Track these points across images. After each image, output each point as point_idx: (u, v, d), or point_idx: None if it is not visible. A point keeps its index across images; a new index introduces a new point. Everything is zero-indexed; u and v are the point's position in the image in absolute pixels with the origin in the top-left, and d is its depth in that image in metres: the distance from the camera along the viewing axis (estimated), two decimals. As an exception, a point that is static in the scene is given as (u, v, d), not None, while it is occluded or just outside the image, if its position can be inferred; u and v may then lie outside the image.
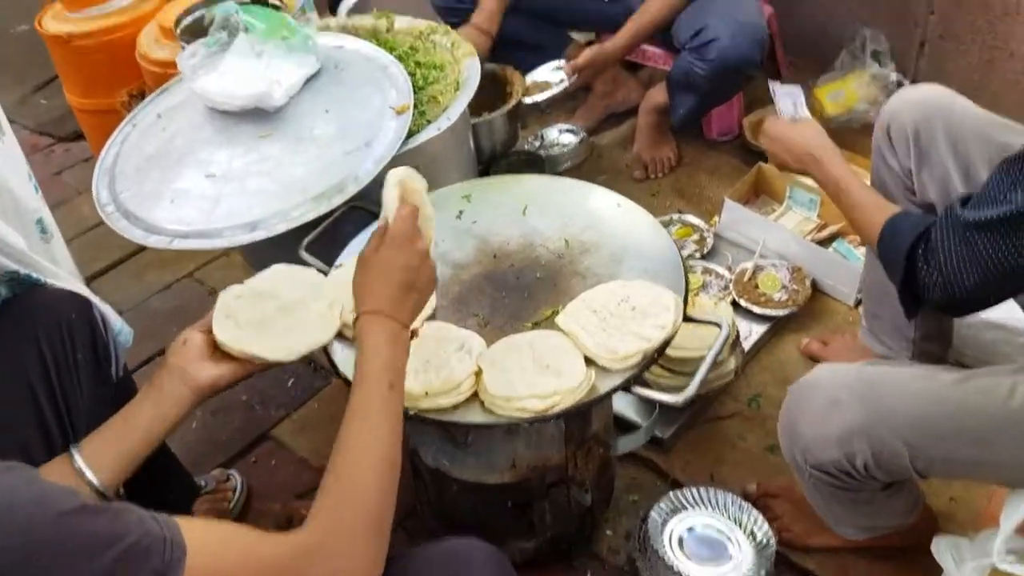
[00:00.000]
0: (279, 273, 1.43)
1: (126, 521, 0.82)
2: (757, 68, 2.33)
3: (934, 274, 1.23)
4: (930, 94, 1.56)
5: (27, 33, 3.70)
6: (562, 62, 2.51)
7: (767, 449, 1.89)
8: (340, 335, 1.39)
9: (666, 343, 1.38)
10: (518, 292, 1.54)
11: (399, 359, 1.15)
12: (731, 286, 2.18)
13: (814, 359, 2.01)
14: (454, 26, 2.48)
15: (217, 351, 1.26)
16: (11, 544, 0.75)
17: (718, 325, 1.43)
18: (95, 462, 1.14)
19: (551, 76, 2.51)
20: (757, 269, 2.20)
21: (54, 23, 2.70)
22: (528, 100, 2.47)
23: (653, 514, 1.56)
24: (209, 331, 1.27)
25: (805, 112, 1.71)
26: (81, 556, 0.77)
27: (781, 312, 2.10)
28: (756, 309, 2.12)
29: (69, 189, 2.94)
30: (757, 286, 2.17)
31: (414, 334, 1.24)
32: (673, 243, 1.59)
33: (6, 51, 3.79)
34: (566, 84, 2.45)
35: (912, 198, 1.58)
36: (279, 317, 1.34)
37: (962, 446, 1.26)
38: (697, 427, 1.94)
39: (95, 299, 1.50)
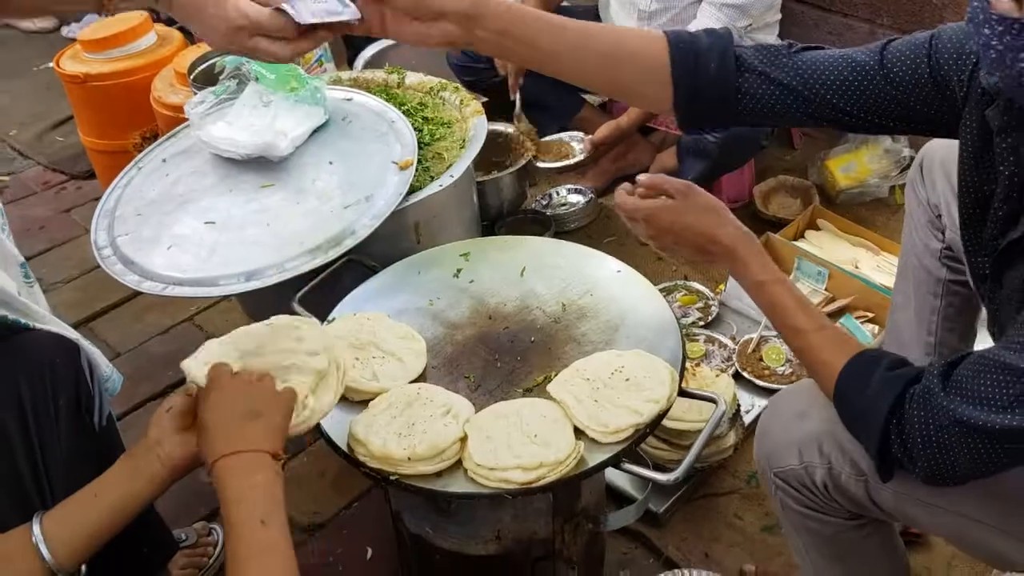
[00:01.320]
0: (275, 327, 1.34)
1: None
2: (767, 138, 2.32)
3: (916, 461, 1.09)
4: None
5: (47, 71, 3.76)
6: (580, 134, 2.53)
7: (764, 529, 1.83)
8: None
9: (659, 418, 1.34)
10: (511, 355, 1.51)
11: (264, 490, 1.06)
12: (734, 357, 2.13)
13: None
14: (470, 84, 2.50)
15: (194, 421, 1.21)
16: None
17: (714, 401, 1.39)
18: (56, 536, 1.07)
19: (568, 143, 2.54)
20: (762, 341, 2.16)
21: (72, 63, 2.73)
22: (542, 164, 2.48)
23: (643, 594, 1.50)
24: (190, 395, 1.22)
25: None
26: None
27: (785, 386, 2.05)
28: (759, 382, 2.07)
29: (77, 227, 2.95)
30: (761, 359, 2.12)
31: (276, 458, 1.11)
32: (672, 313, 1.55)
33: (27, 88, 3.84)
34: (581, 157, 2.50)
35: (937, 233, 1.62)
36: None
37: (915, 487, 1.17)
38: (693, 502, 1.89)
39: (84, 343, 1.48)
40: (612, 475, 1.78)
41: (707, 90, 1.28)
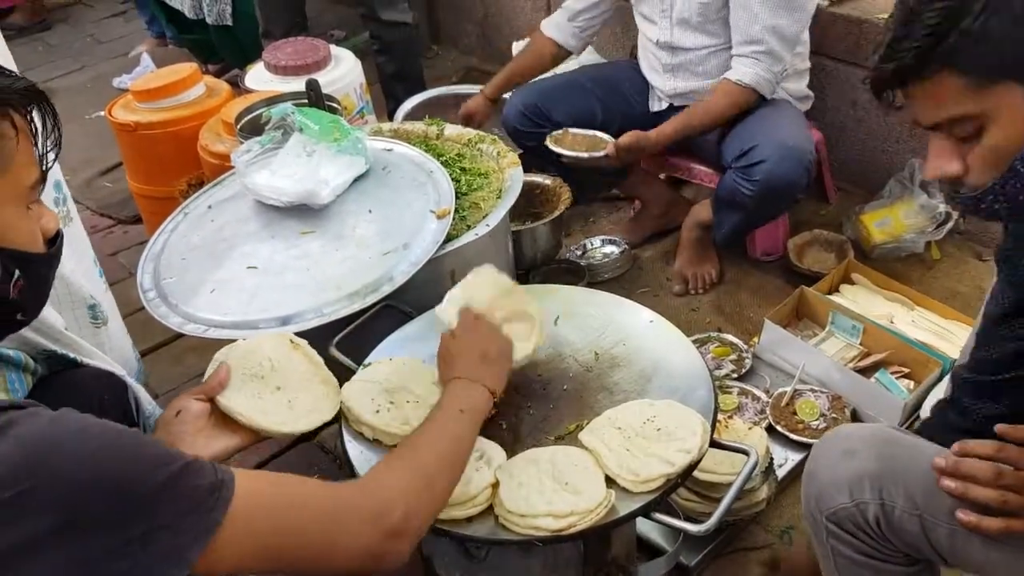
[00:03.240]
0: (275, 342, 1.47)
1: (182, 451, 0.96)
2: (803, 191, 2.33)
3: None
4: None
5: (99, 120, 3.89)
6: (607, 136, 2.51)
7: (798, 586, 1.80)
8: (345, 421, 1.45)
9: (690, 468, 1.34)
10: (544, 402, 1.52)
11: (475, 400, 1.32)
12: (768, 410, 2.12)
13: None
14: (529, 149, 2.53)
15: (211, 422, 1.26)
16: (88, 453, 0.86)
17: (746, 453, 1.38)
18: None
19: (591, 139, 2.52)
20: (796, 395, 2.15)
21: (123, 112, 2.83)
22: (555, 148, 2.47)
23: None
24: (206, 398, 1.27)
25: None
26: (147, 466, 0.89)
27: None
28: (793, 436, 2.05)
29: (123, 270, 3.02)
30: (795, 412, 2.11)
31: (493, 395, 1.37)
32: (705, 364, 1.56)
33: (78, 135, 3.97)
34: (601, 155, 2.45)
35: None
36: (281, 391, 1.39)
37: None
38: (725, 556, 1.87)
39: (130, 381, 1.52)
40: (643, 526, 1.77)
41: None
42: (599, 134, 2.52)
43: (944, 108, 1.04)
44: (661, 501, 1.32)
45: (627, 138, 2.41)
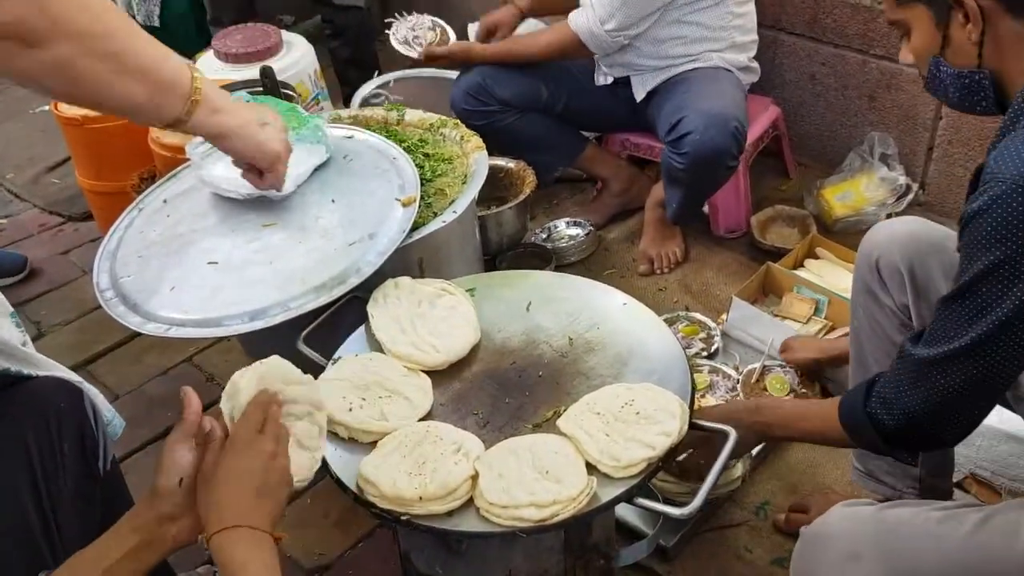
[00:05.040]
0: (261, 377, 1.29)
1: None
2: (734, 159, 2.32)
3: (897, 417, 1.26)
4: (919, 230, 1.56)
5: (45, 114, 3.77)
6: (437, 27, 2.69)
7: (774, 562, 1.81)
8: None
9: (672, 451, 1.33)
10: (520, 391, 1.50)
11: (269, 563, 1.05)
12: (739, 387, 2.13)
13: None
14: (479, 129, 2.50)
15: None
16: None
17: (726, 433, 1.38)
18: None
19: (418, 34, 2.68)
20: (765, 370, 2.16)
21: (69, 106, 2.73)
22: (396, 44, 2.64)
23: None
24: (196, 441, 1.17)
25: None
26: None
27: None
28: (764, 412, 2.06)
29: (75, 269, 2.94)
30: (765, 388, 2.12)
31: (277, 540, 1.10)
32: (680, 346, 1.55)
33: (24, 130, 3.84)
34: (414, 55, 2.65)
35: (905, 331, 1.55)
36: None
37: None
38: (702, 535, 1.87)
39: (87, 387, 1.46)
40: (622, 510, 1.76)
41: None
42: (437, 25, 2.69)
43: (887, 12, 1.33)
44: (643, 486, 1.30)
45: (449, 48, 2.63)
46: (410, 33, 2.61)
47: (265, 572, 1.04)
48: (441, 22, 2.76)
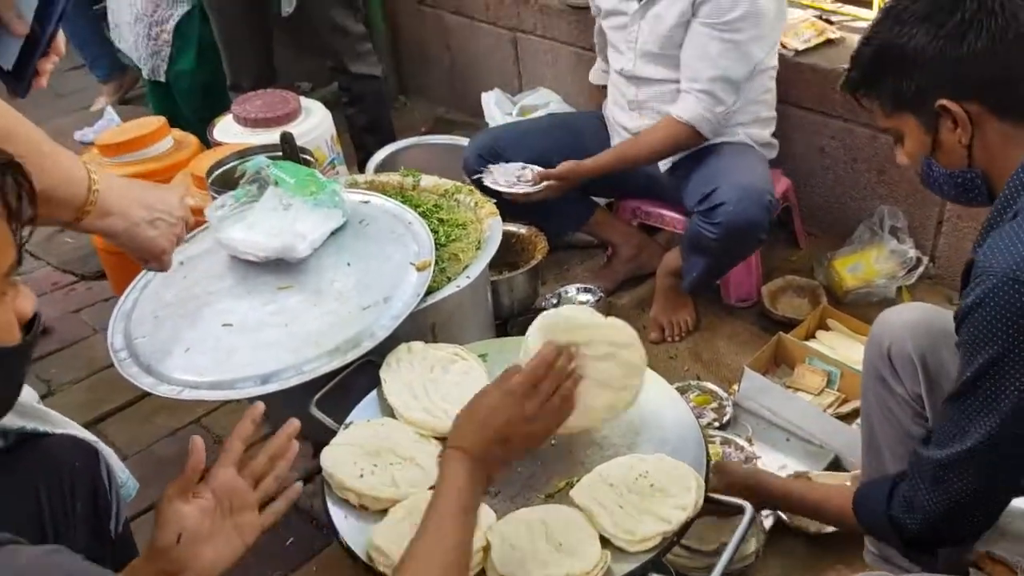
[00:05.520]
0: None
1: None
2: (766, 232, 2.34)
3: (919, 521, 1.29)
4: (931, 318, 1.55)
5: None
6: (530, 167, 2.52)
7: (790, 640, 1.77)
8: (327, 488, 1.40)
9: (687, 525, 1.32)
10: (532, 460, 1.49)
11: (475, 492, 1.17)
12: (753, 460, 2.10)
13: None
14: (487, 191, 2.51)
15: (208, 522, 1.17)
16: None
17: (742, 509, 1.36)
18: None
19: (521, 171, 2.53)
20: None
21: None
22: (491, 184, 2.45)
23: None
24: (191, 492, 1.18)
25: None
26: None
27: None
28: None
29: (86, 328, 2.94)
30: (779, 461, 2.09)
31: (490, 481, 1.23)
32: (694, 417, 1.55)
33: (41, 189, 3.89)
34: (529, 190, 2.47)
35: (924, 424, 1.54)
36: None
37: None
38: (715, 611, 1.83)
39: (102, 446, 1.45)
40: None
41: None
42: (528, 166, 2.54)
43: (879, 121, 1.35)
44: (658, 560, 1.29)
45: (564, 166, 2.47)
46: (511, 176, 2.58)
47: (456, 495, 1.14)
48: (523, 164, 2.69)
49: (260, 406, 1.29)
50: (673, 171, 2.57)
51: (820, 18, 2.82)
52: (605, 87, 2.74)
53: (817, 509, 1.58)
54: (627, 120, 2.61)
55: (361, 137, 3.38)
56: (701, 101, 2.36)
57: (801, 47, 2.70)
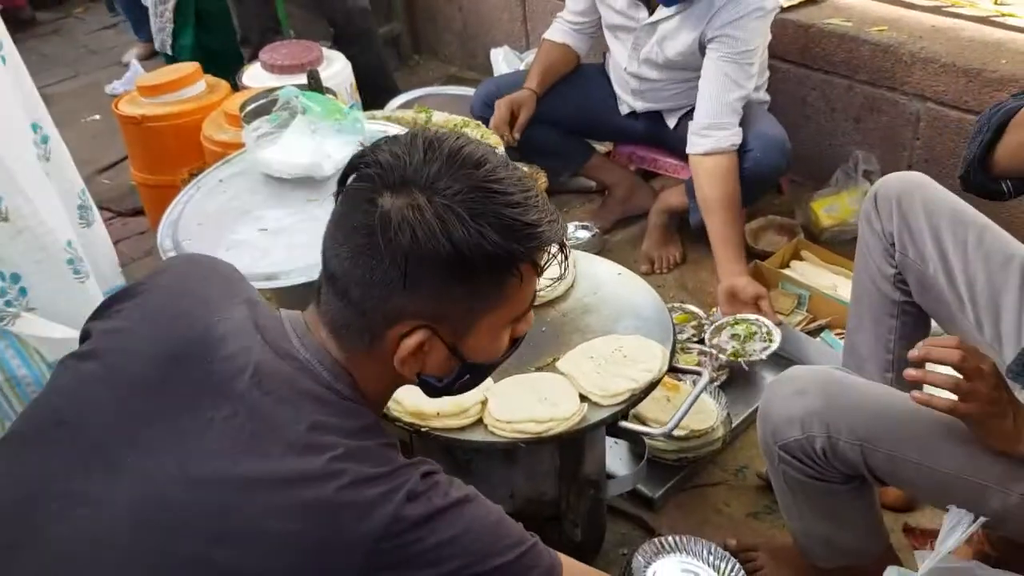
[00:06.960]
0: None
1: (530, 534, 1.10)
2: (782, 176, 2.57)
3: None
4: (913, 175, 1.82)
5: (95, 123, 4.09)
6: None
7: (750, 515, 2.02)
8: None
9: (652, 385, 1.57)
10: (525, 343, 1.72)
11: None
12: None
13: None
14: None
15: None
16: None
17: (699, 374, 1.61)
18: None
19: None
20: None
21: (129, 106, 3.03)
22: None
23: (638, 555, 1.69)
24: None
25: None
26: (506, 545, 1.05)
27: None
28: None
29: (123, 257, 3.19)
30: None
31: None
32: (664, 305, 1.79)
33: (76, 138, 4.12)
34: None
35: (891, 260, 1.78)
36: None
37: (908, 449, 1.41)
38: (685, 491, 2.08)
39: None
40: (611, 462, 1.98)
41: None
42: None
43: None
44: (627, 412, 1.54)
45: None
46: None
47: None
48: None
49: None
50: (680, 126, 2.78)
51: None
52: (564, 45, 2.86)
53: None
54: (630, 100, 2.84)
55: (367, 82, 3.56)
56: (735, 131, 2.51)
57: (785, 3, 2.92)
